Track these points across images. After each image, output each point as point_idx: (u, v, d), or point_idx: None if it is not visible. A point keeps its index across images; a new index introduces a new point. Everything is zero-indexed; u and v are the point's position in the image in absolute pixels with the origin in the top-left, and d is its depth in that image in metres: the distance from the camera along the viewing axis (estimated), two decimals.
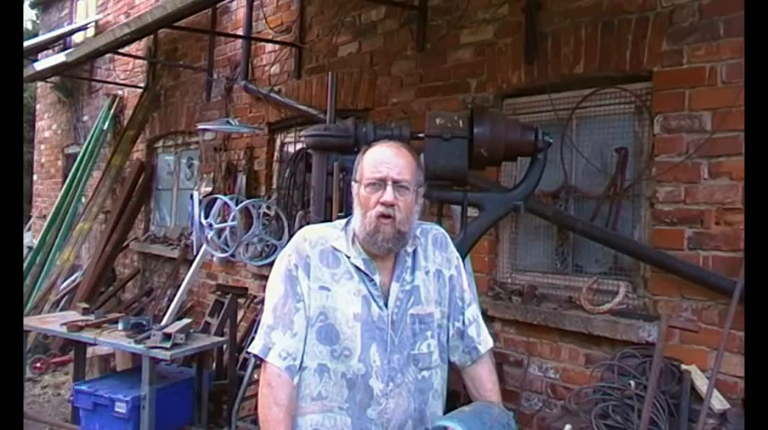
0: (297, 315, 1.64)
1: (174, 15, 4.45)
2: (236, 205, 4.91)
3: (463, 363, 1.79)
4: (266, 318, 1.67)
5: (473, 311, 1.80)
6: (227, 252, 4.98)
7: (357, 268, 1.66)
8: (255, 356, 1.64)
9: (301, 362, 1.64)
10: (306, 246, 1.68)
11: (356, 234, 1.68)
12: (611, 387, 2.65)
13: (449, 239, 1.82)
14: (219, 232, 4.92)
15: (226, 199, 5.04)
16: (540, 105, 3.51)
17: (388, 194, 1.61)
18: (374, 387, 1.62)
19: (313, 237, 1.70)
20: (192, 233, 5.20)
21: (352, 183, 1.72)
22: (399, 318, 1.66)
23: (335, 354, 1.63)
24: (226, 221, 4.95)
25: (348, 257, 1.67)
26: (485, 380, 1.79)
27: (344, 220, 1.76)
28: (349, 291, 1.65)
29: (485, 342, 1.80)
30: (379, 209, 1.61)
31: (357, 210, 1.68)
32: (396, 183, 1.62)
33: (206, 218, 4.86)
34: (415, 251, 1.73)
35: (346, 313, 1.63)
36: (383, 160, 1.65)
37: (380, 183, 1.62)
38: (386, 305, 1.66)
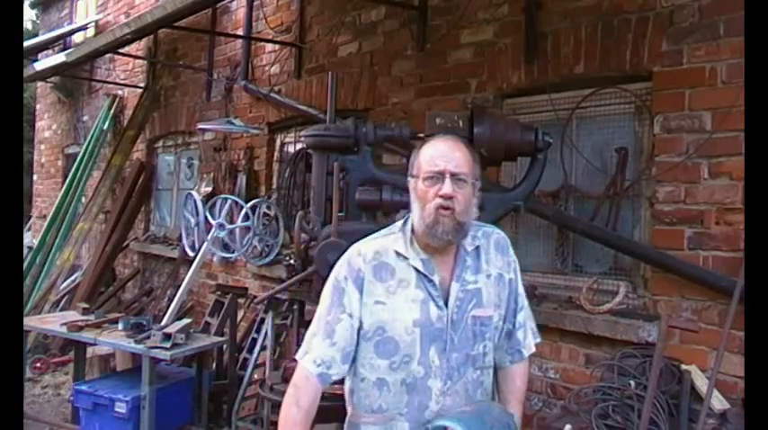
0: (339, 325, 1.66)
1: (174, 15, 4.45)
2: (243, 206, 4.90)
3: (502, 363, 1.81)
4: (311, 326, 1.72)
5: (525, 315, 1.82)
6: (235, 252, 4.98)
7: (416, 270, 1.66)
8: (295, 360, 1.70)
9: (355, 372, 1.69)
10: (359, 261, 1.69)
11: (415, 230, 1.68)
12: (611, 387, 2.64)
13: (508, 242, 1.82)
14: (231, 232, 4.90)
15: (235, 199, 5.03)
16: (540, 105, 3.51)
17: (447, 187, 1.61)
18: (433, 387, 1.64)
19: (368, 252, 1.71)
20: (187, 234, 5.17)
21: (409, 178, 1.72)
22: (459, 318, 1.66)
23: (394, 366, 1.64)
24: (232, 222, 4.94)
25: (407, 259, 1.67)
26: (516, 377, 1.83)
27: (401, 221, 1.76)
28: (406, 298, 1.65)
29: (529, 346, 1.83)
30: (438, 201, 1.61)
31: (415, 205, 1.67)
32: (454, 176, 1.62)
33: (215, 218, 4.84)
34: (477, 251, 1.74)
35: (406, 321, 1.64)
36: (441, 154, 1.65)
37: (439, 177, 1.62)
38: (446, 304, 1.66)
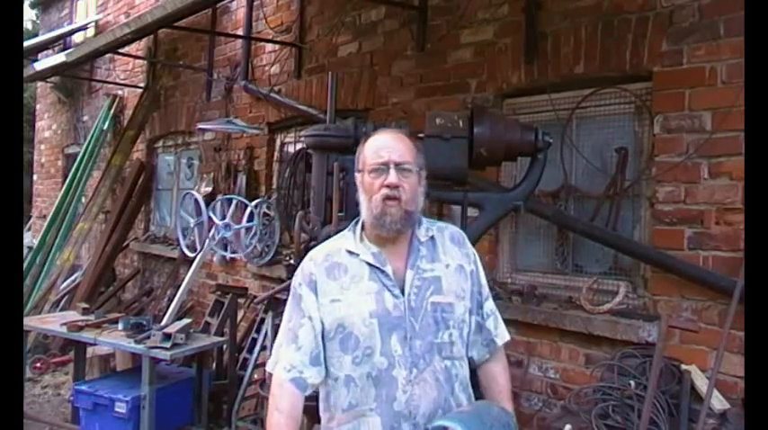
0: (301, 330, 1.69)
1: (174, 15, 4.45)
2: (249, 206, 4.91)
3: (481, 358, 1.82)
4: (278, 339, 1.77)
5: (491, 305, 1.84)
6: (240, 253, 4.97)
7: (368, 264, 1.69)
8: (269, 374, 1.74)
9: (327, 373, 1.70)
10: (311, 265, 1.74)
11: (364, 223, 1.73)
12: (611, 387, 2.64)
13: (464, 235, 1.86)
14: (237, 233, 4.90)
15: (242, 199, 5.03)
16: (540, 105, 3.51)
17: (392, 176, 1.65)
18: (398, 377, 1.64)
19: (319, 256, 1.75)
20: (184, 235, 5.17)
21: (356, 173, 1.75)
22: (418, 305, 1.67)
23: (357, 360, 1.65)
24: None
25: (357, 255, 1.71)
26: (498, 375, 1.83)
27: (353, 222, 1.79)
28: (360, 292, 1.68)
29: (501, 335, 1.84)
30: (384, 191, 1.65)
31: (363, 198, 1.71)
32: (398, 165, 1.66)
33: (219, 218, 4.84)
34: (432, 241, 1.76)
35: (362, 314, 1.65)
36: (384, 145, 1.69)
37: (383, 168, 1.66)
38: (402, 292, 1.68)
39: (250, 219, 4.84)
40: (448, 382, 1.69)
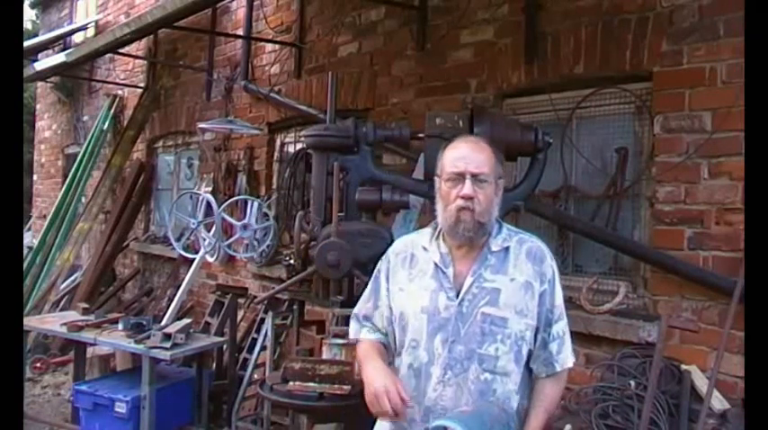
0: (376, 312, 1.89)
1: (174, 15, 4.45)
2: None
3: (539, 373, 1.79)
4: (356, 308, 1.96)
5: (560, 327, 1.79)
6: (254, 253, 4.98)
7: (434, 262, 1.77)
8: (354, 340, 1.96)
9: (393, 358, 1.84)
10: (390, 254, 1.89)
11: (441, 227, 1.79)
12: (611, 387, 2.65)
13: (546, 254, 1.80)
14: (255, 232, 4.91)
15: (255, 199, 5.03)
16: (540, 105, 3.51)
17: (467, 188, 1.69)
18: (433, 373, 1.71)
19: (399, 245, 1.90)
20: (181, 235, 5.16)
21: (435, 178, 1.81)
22: (469, 312, 1.71)
23: (406, 350, 1.77)
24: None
25: (428, 252, 1.80)
26: (545, 388, 1.79)
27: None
28: (420, 286, 1.77)
29: (562, 361, 1.78)
30: (459, 203, 1.69)
31: (439, 205, 1.77)
32: (474, 176, 1.69)
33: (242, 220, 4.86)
34: (505, 252, 1.76)
35: (415, 307, 1.75)
36: (462, 155, 1.73)
37: (459, 178, 1.70)
38: (457, 296, 1.72)
39: (264, 219, 4.86)
40: (483, 395, 1.69)
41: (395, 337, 1.83)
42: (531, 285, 1.74)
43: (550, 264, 1.79)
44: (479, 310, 1.70)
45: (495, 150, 1.79)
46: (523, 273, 1.75)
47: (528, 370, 1.79)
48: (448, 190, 1.72)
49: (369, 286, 1.93)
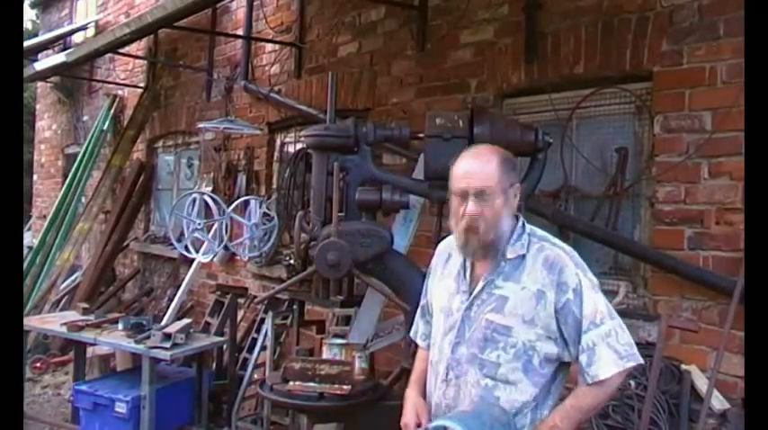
0: (425, 302, 1.99)
1: (174, 15, 4.45)
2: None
3: (582, 383, 1.71)
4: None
5: (591, 337, 1.67)
6: (260, 253, 4.99)
7: (459, 265, 1.83)
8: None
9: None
10: (437, 252, 1.97)
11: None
12: None
13: (567, 261, 1.71)
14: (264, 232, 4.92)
15: (259, 199, 5.03)
16: (540, 105, 3.51)
17: (470, 207, 1.68)
18: (440, 372, 1.78)
19: (443, 245, 1.95)
20: (182, 236, 5.15)
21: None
22: (475, 317, 1.74)
23: (432, 341, 1.88)
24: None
25: (458, 255, 1.84)
26: (579, 393, 1.71)
27: None
28: (444, 287, 1.85)
29: (593, 373, 1.66)
30: (463, 223, 1.70)
31: (452, 220, 1.77)
32: (478, 193, 1.67)
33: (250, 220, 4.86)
34: (521, 259, 1.72)
35: (437, 306, 1.86)
36: (466, 171, 1.72)
37: (465, 194, 1.70)
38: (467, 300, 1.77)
39: (269, 219, 4.86)
40: (484, 401, 1.68)
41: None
42: (545, 294, 1.67)
43: (575, 272, 1.69)
44: (484, 316, 1.71)
45: (505, 157, 1.74)
46: (537, 281, 1.68)
47: (553, 380, 1.73)
48: (457, 206, 1.72)
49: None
